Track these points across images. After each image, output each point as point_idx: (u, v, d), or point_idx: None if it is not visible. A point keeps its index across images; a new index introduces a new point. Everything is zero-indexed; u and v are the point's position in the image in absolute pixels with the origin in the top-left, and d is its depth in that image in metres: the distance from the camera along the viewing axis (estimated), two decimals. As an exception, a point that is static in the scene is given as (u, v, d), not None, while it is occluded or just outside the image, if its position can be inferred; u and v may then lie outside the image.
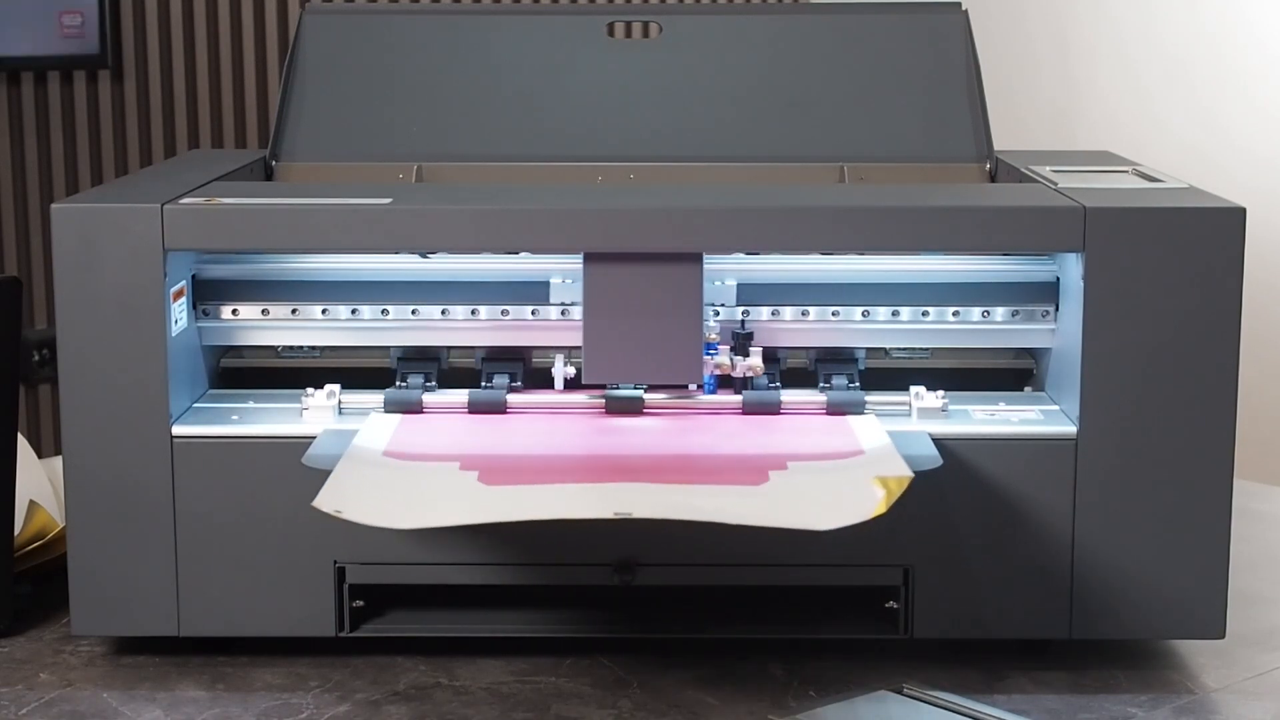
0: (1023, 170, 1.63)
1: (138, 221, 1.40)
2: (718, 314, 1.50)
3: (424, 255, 1.51)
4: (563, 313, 1.51)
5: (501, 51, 1.79)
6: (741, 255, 1.51)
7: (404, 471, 1.34)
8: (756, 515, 1.25)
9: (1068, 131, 3.40)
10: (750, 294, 1.51)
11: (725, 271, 1.51)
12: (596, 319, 1.43)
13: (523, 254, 1.51)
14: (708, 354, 1.46)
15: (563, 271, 1.50)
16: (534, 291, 1.51)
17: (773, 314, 1.51)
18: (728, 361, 1.47)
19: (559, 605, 1.47)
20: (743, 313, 1.50)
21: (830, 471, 1.35)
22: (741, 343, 1.48)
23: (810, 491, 1.31)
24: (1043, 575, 1.42)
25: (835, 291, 1.52)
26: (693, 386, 1.47)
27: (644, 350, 1.43)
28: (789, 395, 1.48)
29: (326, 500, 1.25)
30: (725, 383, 1.49)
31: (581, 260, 1.43)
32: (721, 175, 1.73)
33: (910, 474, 1.31)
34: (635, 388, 1.47)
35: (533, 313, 1.51)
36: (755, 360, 1.47)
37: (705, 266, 1.44)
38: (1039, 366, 1.55)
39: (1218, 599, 1.42)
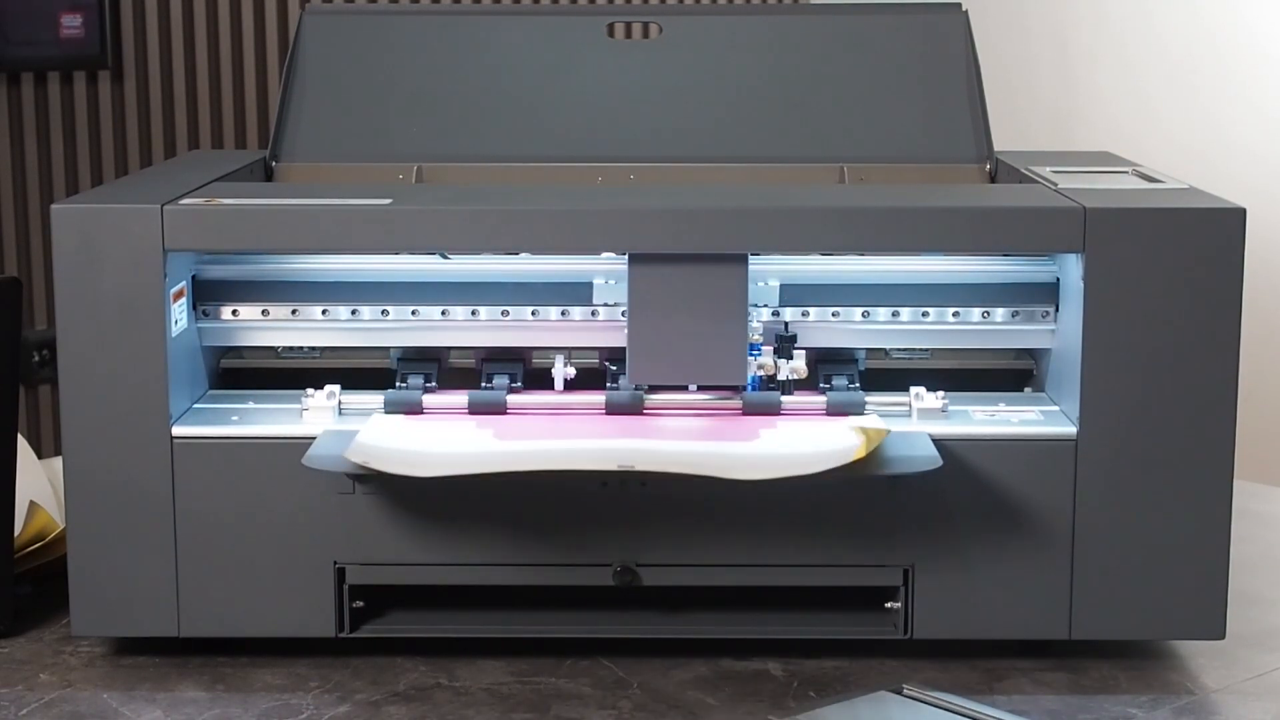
0: (1023, 171, 1.63)
1: (138, 222, 1.40)
2: (776, 314, 1.50)
3: (444, 256, 1.51)
4: (563, 313, 1.51)
5: (501, 52, 1.79)
6: (784, 256, 1.51)
7: (425, 427, 1.43)
8: (751, 468, 1.33)
9: (1068, 131, 3.40)
10: (794, 295, 1.51)
11: (768, 272, 1.51)
12: (641, 320, 1.43)
13: (523, 254, 1.51)
14: (751, 355, 1.46)
15: (605, 272, 1.50)
16: (534, 292, 1.51)
17: (773, 314, 1.51)
18: (771, 363, 1.47)
19: (559, 606, 1.47)
20: (771, 313, 1.50)
21: (815, 426, 1.43)
22: (785, 345, 1.48)
23: (797, 441, 1.39)
24: (1043, 575, 1.42)
25: (835, 292, 1.52)
26: (693, 388, 1.48)
27: (688, 352, 1.44)
28: (789, 395, 1.48)
29: (355, 453, 1.35)
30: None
31: (626, 261, 1.44)
32: (721, 176, 1.73)
33: (888, 429, 1.38)
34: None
35: (533, 313, 1.51)
36: (799, 363, 1.47)
37: (749, 267, 1.44)
38: (1039, 367, 1.55)
39: (1218, 599, 1.42)
